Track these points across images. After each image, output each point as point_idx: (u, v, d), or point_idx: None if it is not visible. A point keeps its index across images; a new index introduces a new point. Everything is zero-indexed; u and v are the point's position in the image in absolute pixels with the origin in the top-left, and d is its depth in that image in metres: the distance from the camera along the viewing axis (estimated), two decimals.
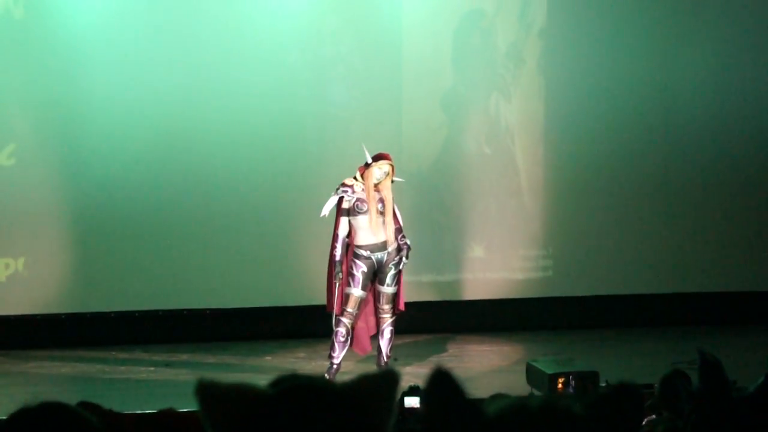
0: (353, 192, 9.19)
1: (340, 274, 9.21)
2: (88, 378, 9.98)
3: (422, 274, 11.82)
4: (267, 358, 10.66)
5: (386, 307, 9.32)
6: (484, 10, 11.92)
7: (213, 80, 11.50)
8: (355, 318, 9.29)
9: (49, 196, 11.40)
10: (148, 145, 11.42)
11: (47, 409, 2.24)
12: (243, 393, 1.78)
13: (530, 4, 11.93)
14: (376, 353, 9.40)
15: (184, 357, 10.76)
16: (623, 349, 10.78)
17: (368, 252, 9.21)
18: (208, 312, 11.63)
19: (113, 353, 10.98)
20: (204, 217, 11.50)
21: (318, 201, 9.60)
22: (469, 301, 11.95)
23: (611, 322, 11.91)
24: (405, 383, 6.41)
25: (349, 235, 9.30)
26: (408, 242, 9.35)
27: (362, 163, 9.28)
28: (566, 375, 8.26)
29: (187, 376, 9.58)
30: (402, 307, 9.51)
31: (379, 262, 9.24)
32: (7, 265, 11.41)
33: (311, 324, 10.80)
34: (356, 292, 9.23)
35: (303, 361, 10.31)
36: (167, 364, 10.45)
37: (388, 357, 9.35)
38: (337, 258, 9.25)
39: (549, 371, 8.35)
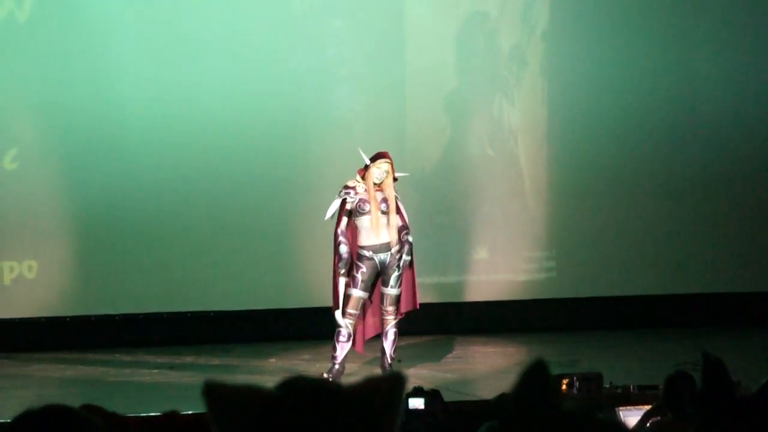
0: (356, 193, 9.19)
1: (344, 267, 9.19)
2: (92, 380, 9.97)
3: (426, 276, 11.81)
4: (271, 360, 10.65)
5: (390, 308, 9.30)
6: (488, 13, 11.93)
7: (216, 82, 11.51)
8: (357, 318, 9.29)
9: (52, 199, 11.41)
10: (152, 148, 11.43)
11: (51, 411, 2.25)
12: (250, 394, 1.79)
13: (533, 6, 11.94)
14: (380, 355, 9.39)
15: (188, 359, 10.76)
16: (627, 351, 10.76)
17: (371, 253, 9.20)
18: (212, 314, 11.64)
19: (117, 356, 10.99)
20: (208, 220, 11.51)
21: (322, 203, 9.60)
22: (473, 302, 11.96)
23: (615, 324, 11.90)
24: (409, 385, 6.42)
25: (353, 236, 9.30)
26: (410, 239, 9.32)
27: (362, 166, 9.27)
28: (570, 376, 8.26)
29: (191, 379, 9.58)
30: (416, 305, 9.49)
31: (383, 263, 9.22)
32: (11, 269, 11.42)
33: (315, 326, 10.79)
34: (357, 293, 9.21)
35: (307, 363, 10.31)
36: (171, 367, 10.45)
37: (392, 358, 9.34)
38: (343, 251, 9.20)
39: (553, 372, 8.33)
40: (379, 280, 9.34)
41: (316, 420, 1.74)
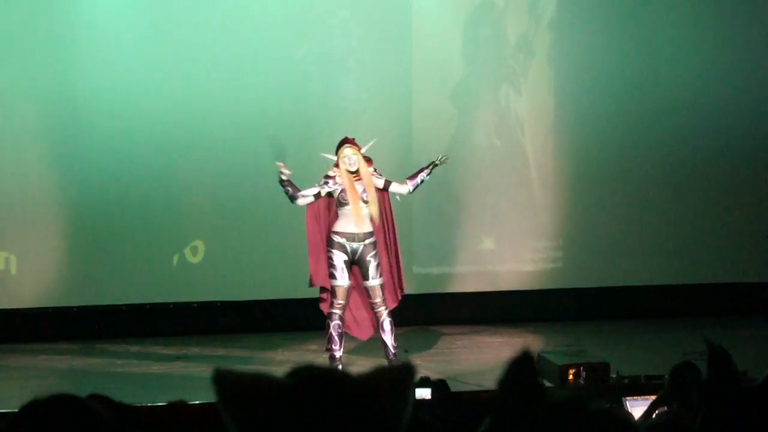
0: (335, 183, 9.23)
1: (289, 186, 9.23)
2: (99, 371, 9.99)
3: (433, 266, 11.83)
4: (278, 350, 10.67)
5: (378, 300, 9.30)
6: (494, 2, 11.91)
7: (222, 73, 11.50)
8: (345, 307, 9.29)
9: (55, 189, 11.42)
10: (157, 138, 11.43)
11: (57, 401, 2.25)
12: (260, 382, 1.79)
13: None
14: (383, 348, 9.36)
15: (196, 350, 10.77)
16: (634, 341, 10.77)
17: (344, 240, 9.21)
18: (219, 304, 11.65)
19: (124, 346, 11.01)
20: (214, 210, 11.52)
21: None
22: (480, 292, 11.95)
23: (622, 314, 11.91)
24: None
25: (331, 221, 9.30)
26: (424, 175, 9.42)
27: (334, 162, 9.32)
28: (577, 366, 8.28)
29: (199, 369, 9.61)
30: (401, 295, 9.47)
31: (354, 252, 9.23)
32: (17, 258, 11.43)
33: (323, 316, 10.79)
34: (342, 282, 9.22)
35: (314, 354, 10.31)
36: (178, 357, 10.47)
37: (395, 348, 9.31)
38: (294, 191, 9.24)
39: (560, 362, 8.36)
40: (359, 275, 9.34)
41: (326, 408, 1.74)
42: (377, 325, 9.34)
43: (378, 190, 9.27)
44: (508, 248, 12.00)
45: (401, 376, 1.84)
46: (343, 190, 9.17)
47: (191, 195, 11.49)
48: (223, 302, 11.64)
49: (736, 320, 11.47)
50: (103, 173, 11.40)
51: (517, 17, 11.92)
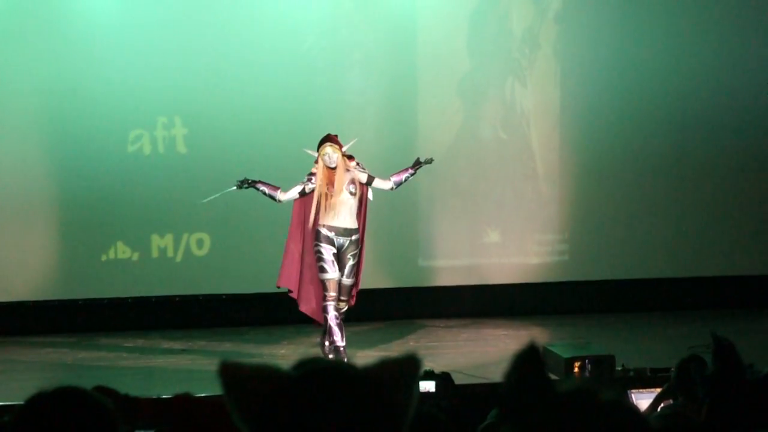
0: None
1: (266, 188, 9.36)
2: (104, 363, 10.00)
3: (438, 259, 11.83)
4: (283, 343, 10.67)
5: (343, 298, 9.37)
6: None
7: (228, 66, 11.50)
8: (338, 298, 9.33)
9: (60, 183, 11.43)
10: (160, 130, 11.44)
11: (63, 393, 2.26)
12: (266, 374, 1.79)
13: None
14: (325, 343, 9.37)
15: (201, 342, 10.78)
16: (639, 334, 10.76)
17: (332, 234, 9.25)
18: (224, 297, 11.66)
19: (130, 339, 11.01)
20: (219, 204, 11.51)
21: None
22: (486, 285, 11.95)
23: (627, 306, 11.90)
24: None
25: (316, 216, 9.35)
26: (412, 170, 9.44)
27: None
28: (582, 359, 8.27)
29: (204, 362, 9.61)
30: (354, 292, 9.53)
31: (340, 246, 9.28)
32: (23, 251, 11.45)
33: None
34: (333, 275, 9.27)
35: (319, 347, 10.31)
36: (184, 350, 10.48)
37: (332, 345, 9.33)
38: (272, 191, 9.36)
39: (565, 355, 8.36)
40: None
41: (332, 400, 1.75)
42: (322, 316, 9.35)
43: (360, 184, 9.29)
44: (514, 241, 11.99)
45: (407, 368, 1.84)
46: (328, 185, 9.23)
47: (196, 188, 11.48)
48: (228, 295, 11.65)
49: (742, 313, 11.46)
50: (105, 166, 11.40)
51: (523, 10, 11.91)
